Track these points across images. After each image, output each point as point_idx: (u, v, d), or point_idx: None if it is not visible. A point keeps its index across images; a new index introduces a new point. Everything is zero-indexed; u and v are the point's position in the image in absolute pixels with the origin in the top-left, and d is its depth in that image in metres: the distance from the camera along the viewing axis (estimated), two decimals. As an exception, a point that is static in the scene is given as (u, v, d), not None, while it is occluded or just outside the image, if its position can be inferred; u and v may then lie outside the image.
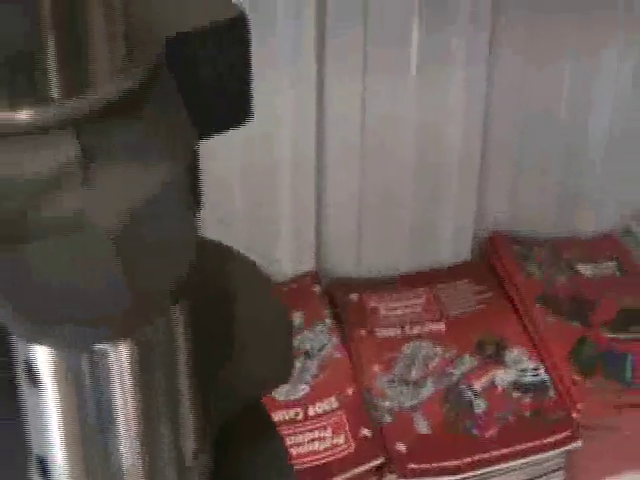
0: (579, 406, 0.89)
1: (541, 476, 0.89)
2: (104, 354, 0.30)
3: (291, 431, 0.89)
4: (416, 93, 0.98)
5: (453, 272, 1.06)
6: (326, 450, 0.87)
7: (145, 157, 0.28)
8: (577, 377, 0.91)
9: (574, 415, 0.88)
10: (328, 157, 1.00)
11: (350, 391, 0.92)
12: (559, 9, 0.98)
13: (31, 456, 0.33)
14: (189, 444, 0.34)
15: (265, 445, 0.39)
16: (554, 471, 0.89)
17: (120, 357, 0.30)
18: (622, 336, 0.95)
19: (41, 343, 0.30)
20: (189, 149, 0.30)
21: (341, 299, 1.02)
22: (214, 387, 0.35)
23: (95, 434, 0.31)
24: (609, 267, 1.04)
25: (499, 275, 1.03)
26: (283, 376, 0.38)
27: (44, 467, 0.33)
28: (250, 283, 0.39)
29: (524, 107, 1.02)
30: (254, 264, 0.39)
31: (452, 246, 1.07)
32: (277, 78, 0.92)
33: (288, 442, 0.88)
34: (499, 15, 0.97)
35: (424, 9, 0.94)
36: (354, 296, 1.02)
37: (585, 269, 1.03)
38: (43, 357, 0.30)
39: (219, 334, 0.36)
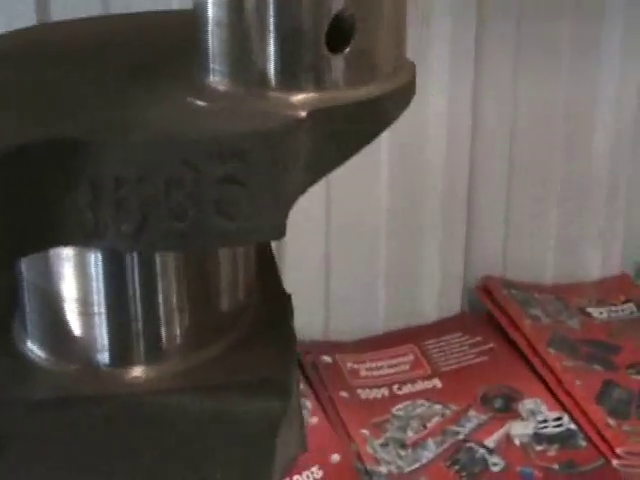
0: (619, 451, 0.72)
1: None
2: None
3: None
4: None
5: (441, 327, 0.90)
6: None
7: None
8: (611, 421, 0.75)
9: (614, 462, 0.72)
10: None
11: (335, 459, 0.74)
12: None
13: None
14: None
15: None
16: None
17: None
18: (655, 378, 0.80)
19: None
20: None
21: (311, 362, 0.85)
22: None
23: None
24: (626, 309, 0.89)
25: (498, 323, 0.87)
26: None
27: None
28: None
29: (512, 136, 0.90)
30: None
31: (438, 300, 0.91)
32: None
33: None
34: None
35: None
36: (327, 358, 0.86)
37: (599, 313, 0.88)
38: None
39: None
